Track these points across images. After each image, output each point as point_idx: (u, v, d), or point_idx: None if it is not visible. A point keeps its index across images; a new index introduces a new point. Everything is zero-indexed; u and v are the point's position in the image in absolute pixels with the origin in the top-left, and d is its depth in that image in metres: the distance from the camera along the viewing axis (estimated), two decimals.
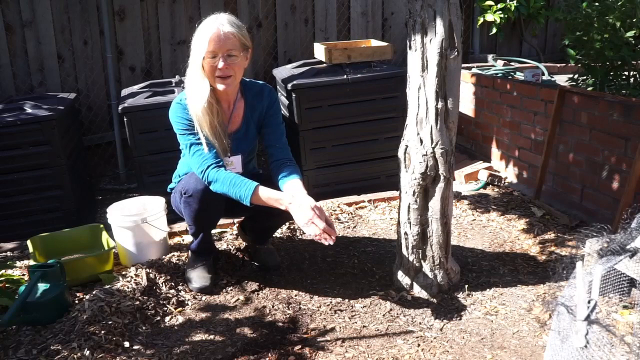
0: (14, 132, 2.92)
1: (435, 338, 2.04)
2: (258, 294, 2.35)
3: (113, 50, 3.83)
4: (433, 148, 2.13)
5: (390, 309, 2.21)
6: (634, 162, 2.58)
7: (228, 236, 2.81)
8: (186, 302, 2.30)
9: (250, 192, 2.06)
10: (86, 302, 2.15)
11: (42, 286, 2.14)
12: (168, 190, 2.50)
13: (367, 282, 2.43)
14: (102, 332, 1.99)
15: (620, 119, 2.72)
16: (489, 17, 4.81)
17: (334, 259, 2.65)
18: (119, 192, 3.74)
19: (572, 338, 1.23)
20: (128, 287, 2.27)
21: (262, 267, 2.55)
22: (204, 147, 2.17)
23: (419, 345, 2.00)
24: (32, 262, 2.43)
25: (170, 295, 2.32)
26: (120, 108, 3.02)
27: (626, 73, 3.37)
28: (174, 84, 3.34)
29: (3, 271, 2.46)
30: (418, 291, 2.31)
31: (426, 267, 2.29)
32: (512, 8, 4.81)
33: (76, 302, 2.25)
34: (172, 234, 2.85)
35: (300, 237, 2.85)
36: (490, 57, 4.89)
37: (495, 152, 3.77)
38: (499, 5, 4.81)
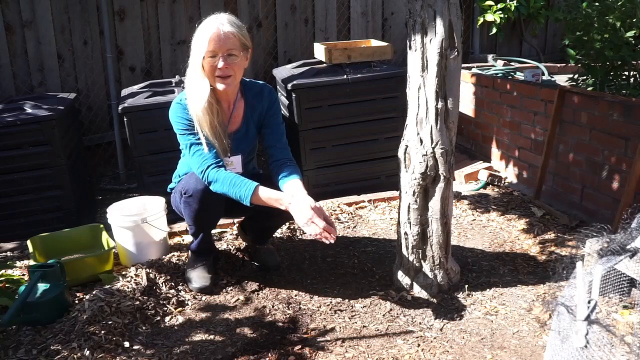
0: (14, 132, 2.92)
1: (435, 338, 2.04)
2: (258, 294, 2.35)
3: (113, 50, 3.83)
4: (433, 148, 2.13)
5: (390, 309, 2.21)
6: (634, 162, 2.58)
7: (228, 236, 2.81)
8: (186, 302, 2.30)
9: (250, 192, 2.06)
10: (86, 302, 2.16)
11: (42, 286, 2.14)
12: (168, 190, 2.50)
13: (367, 282, 2.43)
14: (102, 332, 1.99)
15: (620, 119, 2.72)
16: (489, 17, 4.81)
17: (334, 259, 2.64)
18: (119, 192, 3.74)
19: (572, 338, 1.23)
20: (128, 287, 2.27)
21: (262, 267, 2.55)
22: (204, 147, 2.17)
23: (419, 345, 2.00)
24: (32, 262, 2.43)
25: (170, 295, 2.32)
26: (120, 108, 3.02)
27: (626, 73, 3.37)
28: (174, 84, 3.34)
29: (3, 271, 2.46)
30: (418, 291, 2.31)
31: (426, 267, 2.29)
32: (512, 8, 4.81)
33: (76, 302, 2.25)
34: (172, 234, 2.85)
35: (300, 237, 2.85)
36: (490, 57, 4.89)
37: (495, 152, 3.77)
38: (499, 5, 4.82)
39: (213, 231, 2.61)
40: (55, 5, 3.82)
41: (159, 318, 2.19)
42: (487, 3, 4.81)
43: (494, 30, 4.87)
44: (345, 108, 3.32)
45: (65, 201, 3.07)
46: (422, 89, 2.09)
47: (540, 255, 2.62)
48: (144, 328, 2.11)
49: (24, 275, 2.51)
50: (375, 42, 3.71)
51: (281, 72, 3.58)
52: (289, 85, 3.21)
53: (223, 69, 2.12)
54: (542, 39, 5.40)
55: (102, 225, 2.72)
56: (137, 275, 2.36)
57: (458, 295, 2.29)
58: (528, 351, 1.96)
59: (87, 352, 1.89)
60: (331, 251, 2.70)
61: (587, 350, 1.19)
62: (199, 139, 2.17)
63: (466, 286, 2.33)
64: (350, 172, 3.42)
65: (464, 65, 3.99)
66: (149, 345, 2.00)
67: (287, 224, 2.84)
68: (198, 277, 2.38)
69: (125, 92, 3.32)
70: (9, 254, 2.82)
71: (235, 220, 2.84)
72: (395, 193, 3.27)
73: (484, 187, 3.50)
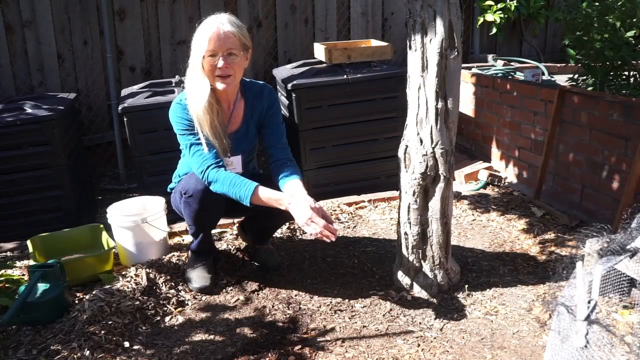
0: (14, 132, 2.92)
1: (435, 338, 2.04)
2: (258, 294, 2.35)
3: (113, 50, 3.83)
4: (433, 148, 2.13)
5: (390, 309, 2.21)
6: (634, 162, 2.58)
7: (228, 236, 2.81)
8: (186, 302, 2.30)
9: (250, 193, 2.06)
10: (86, 302, 2.16)
11: (42, 286, 2.14)
12: (168, 190, 2.50)
13: (367, 282, 2.43)
14: (102, 332, 1.99)
15: (620, 119, 2.72)
16: (489, 17, 4.81)
17: (334, 259, 2.64)
18: (119, 192, 3.74)
19: (572, 338, 1.23)
20: (128, 287, 2.27)
21: (262, 267, 2.55)
22: (204, 147, 2.16)
23: (419, 345, 2.00)
24: (32, 262, 2.42)
25: (170, 295, 2.32)
26: (120, 108, 3.02)
27: (626, 73, 3.37)
28: (174, 84, 3.34)
29: (3, 271, 2.46)
30: (418, 291, 2.31)
31: (426, 267, 2.29)
32: (512, 8, 4.81)
33: (76, 302, 2.25)
34: (172, 234, 2.85)
35: (300, 237, 2.85)
36: (490, 57, 4.89)
37: (495, 152, 3.77)
38: (499, 5, 4.82)
39: (213, 231, 2.61)
40: (55, 5, 3.82)
41: (159, 318, 2.19)
42: (487, 3, 4.81)
43: (494, 30, 4.87)
44: (345, 108, 3.32)
45: (65, 201, 3.07)
46: (422, 89, 2.09)
47: (540, 255, 2.62)
48: (144, 328, 2.11)
49: (24, 275, 2.51)
50: (375, 42, 3.71)
51: (281, 72, 3.58)
52: (289, 85, 3.21)
53: (223, 68, 2.12)
54: (542, 39, 5.40)
55: (102, 225, 2.72)
56: (137, 275, 2.36)
57: (458, 295, 2.29)
58: (528, 351, 1.96)
59: (87, 352, 1.89)
60: (331, 251, 2.70)
61: (587, 350, 1.19)
62: (199, 139, 2.17)
63: (466, 286, 2.33)
64: (350, 172, 3.42)
65: (464, 65, 3.99)
66: (149, 345, 2.00)
67: (287, 224, 2.84)
68: (198, 277, 2.38)
69: (125, 92, 3.32)
70: (9, 254, 2.82)
71: (235, 220, 2.84)
72: (395, 193, 3.27)
73: (484, 187, 3.50)
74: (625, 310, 2.01)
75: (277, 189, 2.15)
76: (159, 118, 2.76)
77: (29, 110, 3.03)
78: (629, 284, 1.77)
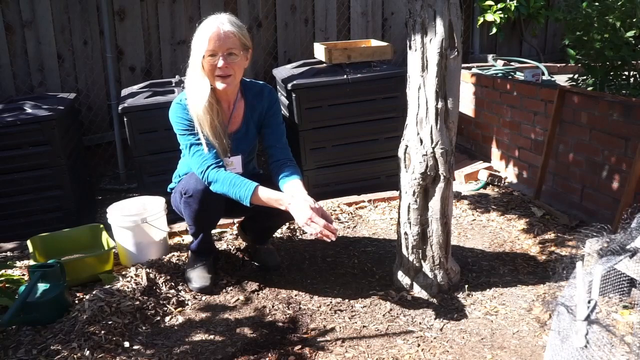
0: (14, 132, 2.92)
1: (435, 338, 2.04)
2: (258, 294, 2.35)
3: (113, 50, 3.83)
4: (433, 148, 2.13)
5: (390, 309, 2.21)
6: (634, 162, 2.58)
7: (228, 236, 2.81)
8: (186, 302, 2.30)
9: (250, 193, 2.06)
10: (86, 302, 2.16)
11: (42, 286, 2.14)
12: (168, 190, 2.50)
13: (367, 282, 2.43)
14: (102, 332, 1.99)
15: (620, 119, 2.72)
16: (489, 17, 4.81)
17: (334, 259, 2.64)
18: (119, 192, 3.74)
19: (572, 338, 1.23)
20: (128, 287, 2.27)
21: (262, 267, 2.55)
22: (204, 148, 2.16)
23: (419, 345, 2.00)
24: (32, 262, 2.42)
25: (170, 295, 2.32)
26: (120, 108, 3.02)
27: (626, 73, 3.37)
28: (174, 84, 3.34)
29: (3, 271, 2.46)
30: (418, 291, 2.31)
31: (426, 267, 2.29)
32: (512, 8, 4.81)
33: (76, 302, 2.25)
34: (172, 234, 2.85)
35: (300, 237, 2.85)
36: (490, 57, 4.89)
37: (495, 152, 3.77)
38: (499, 5, 4.82)
39: (213, 231, 2.61)
40: (55, 5, 3.82)
41: (159, 318, 2.19)
42: (487, 3, 4.81)
43: (494, 30, 4.87)
44: (345, 108, 3.32)
45: (65, 201, 3.07)
46: (422, 89, 2.09)
47: (540, 255, 2.62)
48: (144, 328, 2.11)
49: (24, 275, 2.51)
50: (375, 42, 3.71)
51: (281, 72, 3.58)
52: (289, 85, 3.21)
53: (223, 68, 2.12)
54: (542, 39, 5.40)
55: (102, 225, 2.72)
56: (137, 275, 2.36)
57: (458, 295, 2.29)
58: (528, 351, 1.96)
59: (87, 352, 1.89)
60: (331, 251, 2.70)
61: (587, 350, 1.19)
62: (199, 139, 2.17)
63: (466, 286, 2.33)
64: (350, 172, 3.42)
65: (464, 65, 3.99)
66: (149, 345, 2.00)
67: (287, 224, 2.84)
68: (198, 277, 2.38)
69: (125, 92, 3.32)
70: (9, 254, 2.82)
71: (235, 220, 2.84)
72: (395, 193, 3.27)
73: (484, 187, 3.50)
74: (625, 310, 2.01)
75: (277, 189, 2.15)
76: (159, 118, 2.76)
77: (29, 110, 3.03)
78: (629, 284, 1.77)
